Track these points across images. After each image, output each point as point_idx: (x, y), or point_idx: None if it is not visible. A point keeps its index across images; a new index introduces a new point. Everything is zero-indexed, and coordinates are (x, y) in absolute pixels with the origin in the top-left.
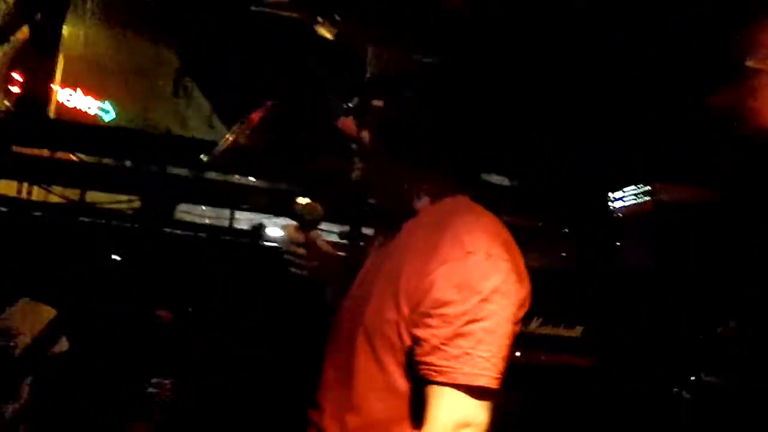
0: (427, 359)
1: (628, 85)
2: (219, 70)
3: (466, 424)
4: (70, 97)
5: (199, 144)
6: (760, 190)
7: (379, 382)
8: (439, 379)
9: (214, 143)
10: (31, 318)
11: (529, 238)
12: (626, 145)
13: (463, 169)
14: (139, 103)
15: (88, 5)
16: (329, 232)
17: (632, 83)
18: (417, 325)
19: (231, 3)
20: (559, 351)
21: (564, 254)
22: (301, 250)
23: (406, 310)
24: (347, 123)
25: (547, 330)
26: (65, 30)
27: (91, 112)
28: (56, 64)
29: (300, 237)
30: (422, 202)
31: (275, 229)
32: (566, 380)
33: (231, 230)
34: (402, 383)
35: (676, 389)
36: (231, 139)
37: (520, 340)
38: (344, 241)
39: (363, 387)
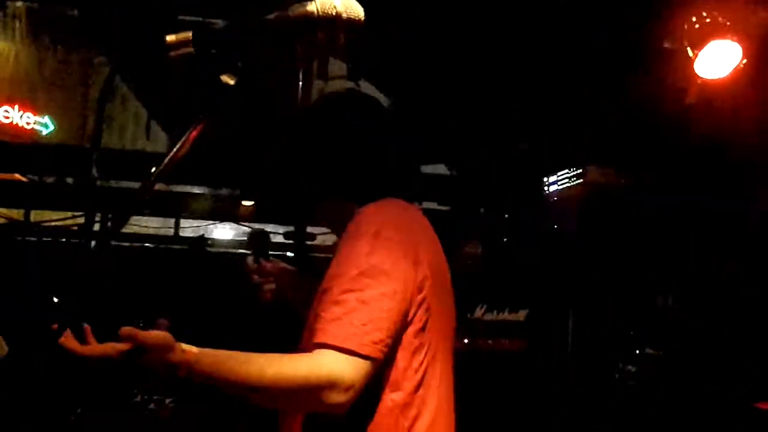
0: (313, 326)
1: (556, 74)
2: (154, 75)
3: (333, 384)
4: (7, 114)
5: (136, 156)
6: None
7: None
8: (315, 340)
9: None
10: None
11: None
12: (559, 131)
13: (388, 178)
14: (76, 115)
15: (17, 24)
16: (274, 233)
17: (559, 72)
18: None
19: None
20: (505, 336)
21: (505, 240)
22: (260, 279)
23: None
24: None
25: (492, 316)
26: None
27: (29, 127)
28: None
29: (253, 266)
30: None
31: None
32: (511, 364)
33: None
34: None
35: (621, 363)
36: (175, 154)
37: (466, 327)
38: (290, 241)
39: None
